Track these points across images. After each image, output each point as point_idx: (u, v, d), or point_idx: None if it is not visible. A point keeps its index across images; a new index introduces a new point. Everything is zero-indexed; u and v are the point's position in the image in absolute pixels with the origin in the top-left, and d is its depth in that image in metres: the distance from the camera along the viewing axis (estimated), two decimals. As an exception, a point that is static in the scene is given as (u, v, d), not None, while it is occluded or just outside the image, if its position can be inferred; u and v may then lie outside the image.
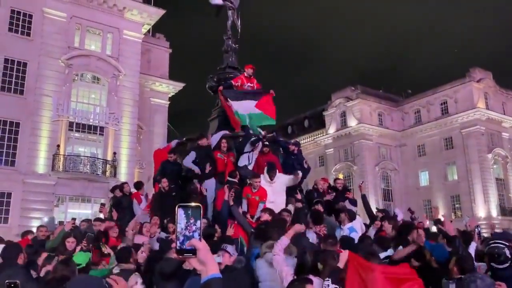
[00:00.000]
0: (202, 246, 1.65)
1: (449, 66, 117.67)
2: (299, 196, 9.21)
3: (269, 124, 11.07)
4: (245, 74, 11.17)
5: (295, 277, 4.44)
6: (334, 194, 9.85)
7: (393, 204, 48.21)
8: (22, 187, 24.57)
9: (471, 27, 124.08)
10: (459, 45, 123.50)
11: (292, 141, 11.13)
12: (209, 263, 1.66)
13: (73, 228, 8.12)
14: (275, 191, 8.54)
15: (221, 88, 10.88)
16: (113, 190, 10.62)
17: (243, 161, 9.33)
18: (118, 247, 6.45)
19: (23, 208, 24.25)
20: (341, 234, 7.51)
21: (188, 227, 1.65)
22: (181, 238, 1.64)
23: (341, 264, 4.37)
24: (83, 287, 2.73)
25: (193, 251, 1.64)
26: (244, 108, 10.57)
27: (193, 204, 1.69)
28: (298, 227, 5.35)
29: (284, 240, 4.93)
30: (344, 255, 4.44)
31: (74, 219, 9.46)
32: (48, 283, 4.24)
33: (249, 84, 11.08)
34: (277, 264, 4.67)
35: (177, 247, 1.65)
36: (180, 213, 1.65)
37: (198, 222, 1.66)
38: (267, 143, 9.55)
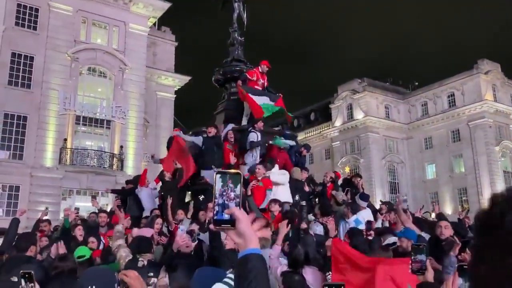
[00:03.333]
0: (242, 216, 1.48)
1: (456, 58, 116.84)
2: (306, 189, 9.26)
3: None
4: (260, 70, 11.08)
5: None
6: (321, 187, 9.98)
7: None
8: (29, 180, 24.77)
9: (479, 18, 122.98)
10: (467, 37, 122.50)
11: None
12: (249, 236, 1.47)
13: (79, 220, 8.15)
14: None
15: (240, 82, 10.81)
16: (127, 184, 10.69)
17: (249, 158, 9.44)
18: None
19: (31, 201, 24.42)
20: (346, 226, 7.58)
21: (226, 195, 1.49)
22: (219, 207, 1.49)
23: (329, 252, 4.43)
24: (95, 279, 2.75)
25: (232, 222, 1.47)
26: (265, 101, 10.66)
27: (232, 171, 1.54)
28: (283, 229, 5.29)
29: (277, 249, 4.95)
30: (328, 242, 4.49)
31: (77, 209, 9.52)
32: (53, 279, 4.27)
33: (261, 80, 11.04)
34: (273, 272, 4.71)
35: (214, 218, 1.50)
36: (217, 180, 1.50)
37: (238, 189, 1.50)
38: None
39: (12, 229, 7.04)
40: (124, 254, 4.91)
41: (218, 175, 1.51)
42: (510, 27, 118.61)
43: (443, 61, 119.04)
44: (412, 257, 3.06)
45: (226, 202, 1.49)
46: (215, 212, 1.49)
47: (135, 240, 5.33)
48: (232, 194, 1.49)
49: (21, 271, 3.12)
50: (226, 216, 1.48)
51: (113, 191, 11.02)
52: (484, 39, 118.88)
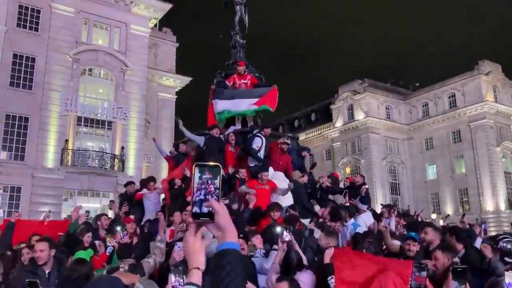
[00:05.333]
0: (220, 209, 1.48)
1: (457, 58, 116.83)
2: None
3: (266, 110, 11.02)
4: (237, 72, 11.10)
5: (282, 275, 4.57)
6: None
7: (400, 198, 48.14)
8: (31, 181, 24.79)
9: (480, 19, 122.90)
10: (467, 38, 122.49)
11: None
12: (227, 229, 1.47)
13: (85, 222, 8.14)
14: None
15: (213, 87, 10.91)
16: (127, 185, 10.67)
17: (252, 161, 9.45)
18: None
19: (33, 202, 24.46)
20: (345, 231, 7.54)
21: (205, 189, 1.48)
22: (197, 200, 1.48)
23: (326, 259, 4.47)
24: (103, 287, 2.78)
25: (211, 215, 1.47)
26: (238, 106, 10.60)
27: (211, 163, 1.53)
28: (282, 247, 5.28)
29: (274, 268, 4.94)
30: (329, 251, 4.52)
31: (88, 212, 9.52)
32: (71, 283, 4.32)
33: (242, 81, 11.01)
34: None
35: (193, 211, 1.49)
36: (196, 173, 1.49)
37: (217, 182, 1.49)
38: (287, 141, 9.76)
39: (8, 232, 7.11)
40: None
41: (197, 168, 1.50)
42: (511, 27, 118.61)
43: (443, 62, 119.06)
44: (413, 274, 3.08)
45: (205, 195, 1.48)
46: (193, 205, 1.49)
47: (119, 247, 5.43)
48: (212, 187, 1.48)
49: (27, 280, 3.16)
50: (204, 209, 1.47)
51: (122, 200, 10.70)
52: (485, 40, 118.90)
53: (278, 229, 5.55)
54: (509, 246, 4.74)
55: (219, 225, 1.48)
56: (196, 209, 1.48)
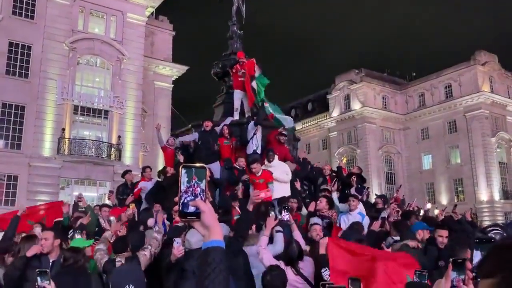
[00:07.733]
0: (206, 208, 1.55)
1: (454, 49, 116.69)
2: (298, 185, 9.21)
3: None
4: (238, 63, 11.15)
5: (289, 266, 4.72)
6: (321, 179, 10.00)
7: (395, 188, 48.34)
8: (28, 170, 24.80)
9: (477, 9, 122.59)
10: (464, 28, 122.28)
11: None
12: (213, 228, 1.55)
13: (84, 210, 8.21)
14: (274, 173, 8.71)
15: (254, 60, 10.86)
16: (124, 174, 10.72)
17: (250, 148, 9.46)
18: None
19: (29, 191, 24.51)
20: (349, 219, 7.53)
21: (192, 189, 1.55)
22: (184, 200, 1.54)
23: (321, 250, 4.59)
24: (130, 277, 2.85)
25: (197, 214, 1.54)
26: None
27: (197, 164, 1.59)
28: (271, 222, 5.22)
29: (264, 240, 5.07)
30: (324, 241, 4.64)
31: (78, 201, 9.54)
32: (66, 271, 4.39)
33: (242, 70, 11.10)
34: (264, 260, 4.88)
35: (180, 210, 1.55)
36: (183, 174, 1.55)
37: (203, 183, 1.56)
38: (285, 133, 9.77)
39: (12, 226, 7.18)
40: (99, 257, 5.07)
41: (184, 169, 1.55)
42: (508, 18, 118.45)
43: (440, 52, 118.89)
44: (415, 279, 3.13)
45: (192, 195, 1.54)
46: (180, 204, 1.54)
47: (113, 241, 5.42)
48: (198, 188, 1.55)
49: (37, 270, 3.23)
50: (191, 209, 1.54)
51: (123, 191, 10.66)
52: (482, 31, 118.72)
53: (272, 213, 5.49)
54: (498, 237, 4.87)
55: (205, 224, 1.55)
56: (183, 208, 1.55)
